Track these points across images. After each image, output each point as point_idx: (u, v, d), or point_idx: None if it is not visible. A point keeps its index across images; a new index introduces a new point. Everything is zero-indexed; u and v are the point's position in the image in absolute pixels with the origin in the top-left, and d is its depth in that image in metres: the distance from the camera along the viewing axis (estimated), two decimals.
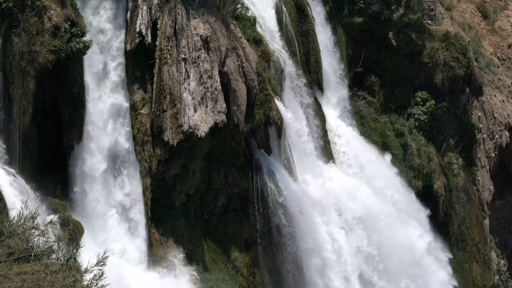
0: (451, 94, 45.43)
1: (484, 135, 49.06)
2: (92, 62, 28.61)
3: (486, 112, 49.88)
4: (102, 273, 13.07)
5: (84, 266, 13.55)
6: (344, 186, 37.75)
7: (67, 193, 28.10)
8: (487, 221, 48.53)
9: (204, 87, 30.40)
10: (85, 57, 27.64)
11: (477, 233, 46.57)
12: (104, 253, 13.01)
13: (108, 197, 29.04)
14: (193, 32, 30.58)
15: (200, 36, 30.71)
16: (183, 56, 30.21)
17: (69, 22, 26.93)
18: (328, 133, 38.66)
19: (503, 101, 52.04)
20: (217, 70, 30.99)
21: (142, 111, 29.82)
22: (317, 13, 40.90)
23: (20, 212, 14.20)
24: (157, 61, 29.89)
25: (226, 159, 32.66)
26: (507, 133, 51.30)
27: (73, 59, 27.08)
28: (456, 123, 45.46)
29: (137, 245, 29.36)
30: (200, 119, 29.99)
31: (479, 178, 47.87)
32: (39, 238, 13.79)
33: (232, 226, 33.05)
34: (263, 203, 33.30)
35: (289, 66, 36.58)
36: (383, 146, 42.26)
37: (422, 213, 41.72)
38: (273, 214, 33.42)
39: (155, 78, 29.90)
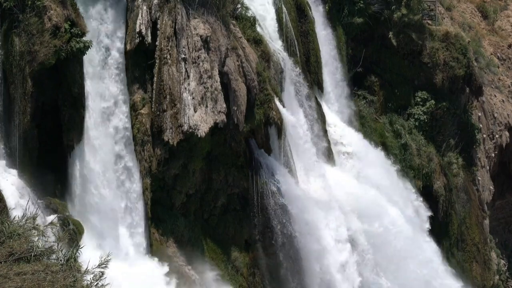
0: (451, 94, 45.46)
1: (484, 135, 49.07)
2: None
3: (486, 112, 49.88)
4: (102, 273, 13.06)
5: (84, 266, 13.54)
6: (344, 186, 37.75)
7: (67, 193, 28.09)
8: (487, 221, 48.55)
9: (204, 87, 30.39)
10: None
11: (477, 233, 46.58)
12: (108, 256, 13.01)
13: (108, 197, 29.02)
14: (193, 32, 30.58)
15: (200, 36, 30.71)
16: (183, 56, 30.21)
17: (69, 22, 26.92)
18: (328, 133, 38.65)
19: (503, 101, 52.05)
20: (217, 70, 30.98)
21: (142, 111, 29.81)
22: (317, 13, 40.91)
23: (22, 213, 14.21)
24: (157, 61, 29.88)
25: (226, 159, 32.66)
26: (507, 133, 51.31)
27: (73, 59, 27.07)
28: (456, 123, 45.49)
29: (137, 245, 29.36)
30: (200, 119, 29.99)
31: (479, 178, 47.88)
32: (39, 239, 13.79)
33: (232, 226, 33.04)
34: (263, 203, 33.29)
35: (289, 66, 36.58)
36: (383, 146, 42.27)
37: (422, 214, 41.75)
38: (273, 214, 33.41)
39: (155, 78, 29.90)
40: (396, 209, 39.21)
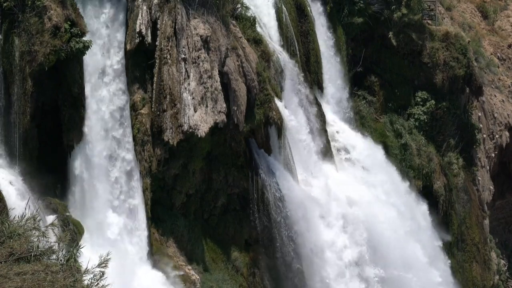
0: (451, 94, 45.44)
1: (484, 135, 49.06)
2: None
3: (486, 112, 49.87)
4: (103, 273, 13.06)
5: (84, 266, 13.53)
6: (343, 186, 37.74)
7: (67, 193, 28.10)
8: (487, 221, 48.53)
9: (204, 87, 30.40)
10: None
11: (477, 233, 46.57)
12: (107, 255, 13.00)
13: (108, 197, 29.02)
14: (193, 32, 30.58)
15: (200, 36, 30.71)
16: (183, 56, 30.21)
17: (69, 22, 26.93)
18: (328, 133, 38.64)
19: (503, 101, 52.04)
20: (217, 70, 30.98)
21: (142, 111, 29.82)
22: (317, 13, 40.91)
23: (22, 213, 14.21)
24: (157, 61, 29.89)
25: (226, 159, 32.65)
26: (507, 133, 51.29)
27: (72, 59, 27.07)
28: (456, 123, 45.47)
29: (137, 245, 29.35)
30: (200, 119, 29.99)
31: (479, 178, 47.87)
32: (39, 239, 13.78)
33: (232, 226, 33.05)
34: (263, 203, 33.30)
35: (289, 66, 36.57)
36: (383, 146, 42.25)
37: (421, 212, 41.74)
38: (273, 214, 33.41)
39: (155, 78, 29.90)
40: (393, 208, 39.24)
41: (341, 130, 40.17)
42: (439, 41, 45.31)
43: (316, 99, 38.29)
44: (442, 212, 43.86)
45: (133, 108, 29.81)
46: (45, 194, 26.86)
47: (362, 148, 40.47)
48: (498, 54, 54.59)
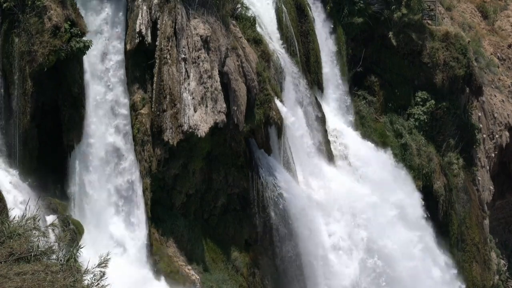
0: (451, 94, 45.43)
1: (484, 135, 49.04)
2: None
3: (486, 112, 49.86)
4: (104, 273, 13.06)
5: (84, 266, 13.53)
6: (344, 186, 37.73)
7: (67, 193, 28.10)
8: (487, 221, 48.52)
9: (204, 87, 30.39)
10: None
11: (477, 233, 46.56)
12: (107, 255, 13.00)
13: (108, 197, 29.03)
14: (193, 32, 30.58)
15: (200, 36, 30.71)
16: (183, 56, 30.21)
17: (69, 22, 26.94)
18: (328, 133, 38.63)
19: (503, 101, 52.03)
20: (217, 70, 30.98)
21: (142, 111, 29.82)
22: (317, 13, 40.90)
23: (22, 213, 14.22)
24: (157, 61, 29.89)
25: (226, 159, 32.65)
26: (507, 133, 51.28)
27: (72, 59, 27.08)
28: (456, 123, 45.46)
29: (136, 245, 29.35)
30: (200, 119, 29.99)
31: (479, 178, 47.85)
32: (39, 239, 13.79)
33: (232, 226, 33.04)
34: (263, 203, 33.29)
35: (289, 66, 36.57)
36: (383, 146, 42.24)
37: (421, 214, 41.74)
38: (273, 214, 33.41)
39: (155, 78, 29.91)
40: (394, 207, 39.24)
41: (341, 130, 40.13)
42: (439, 41, 45.30)
43: (316, 99, 38.29)
44: (442, 212, 43.86)
45: (133, 108, 29.83)
46: (45, 194, 26.87)
47: (361, 147, 40.44)
48: (498, 54, 54.59)
